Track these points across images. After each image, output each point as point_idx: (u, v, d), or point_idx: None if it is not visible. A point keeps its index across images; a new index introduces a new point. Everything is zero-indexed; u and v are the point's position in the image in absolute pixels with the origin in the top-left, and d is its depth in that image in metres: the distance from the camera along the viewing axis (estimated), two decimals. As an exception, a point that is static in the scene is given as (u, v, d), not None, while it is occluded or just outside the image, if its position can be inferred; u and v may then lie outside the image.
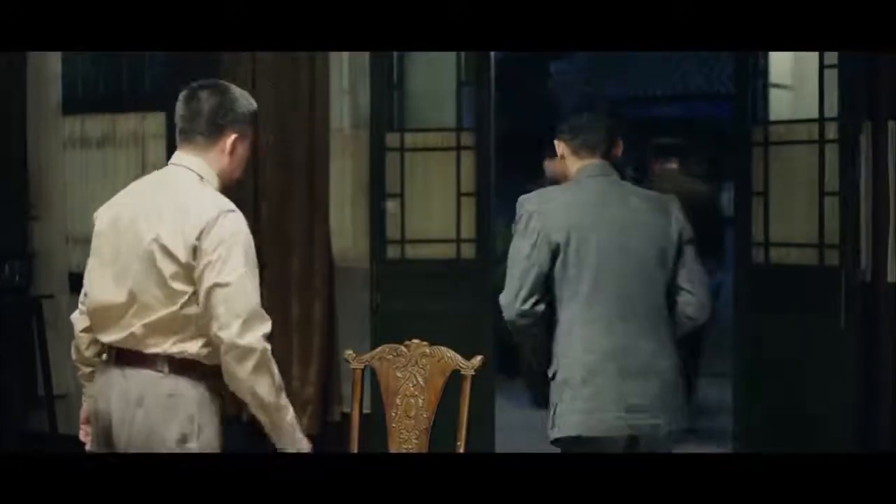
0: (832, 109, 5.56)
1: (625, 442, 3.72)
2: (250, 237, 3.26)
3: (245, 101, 3.40)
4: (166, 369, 3.23)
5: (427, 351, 3.83)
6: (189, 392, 3.24)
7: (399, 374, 3.83)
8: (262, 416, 3.24)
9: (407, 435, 3.80)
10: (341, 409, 5.88)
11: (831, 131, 5.51)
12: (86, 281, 3.41)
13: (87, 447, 3.43)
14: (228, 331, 3.14)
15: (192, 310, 3.20)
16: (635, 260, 3.78)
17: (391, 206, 6.01)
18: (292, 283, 5.92)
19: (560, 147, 3.98)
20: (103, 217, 3.37)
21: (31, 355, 6.47)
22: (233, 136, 3.34)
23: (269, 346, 3.20)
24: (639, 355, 3.73)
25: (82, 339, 3.43)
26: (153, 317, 3.20)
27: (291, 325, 5.90)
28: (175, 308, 3.20)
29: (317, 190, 5.91)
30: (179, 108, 3.36)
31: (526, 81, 15.34)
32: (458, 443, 3.76)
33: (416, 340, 3.87)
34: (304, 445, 3.32)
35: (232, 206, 3.28)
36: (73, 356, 3.48)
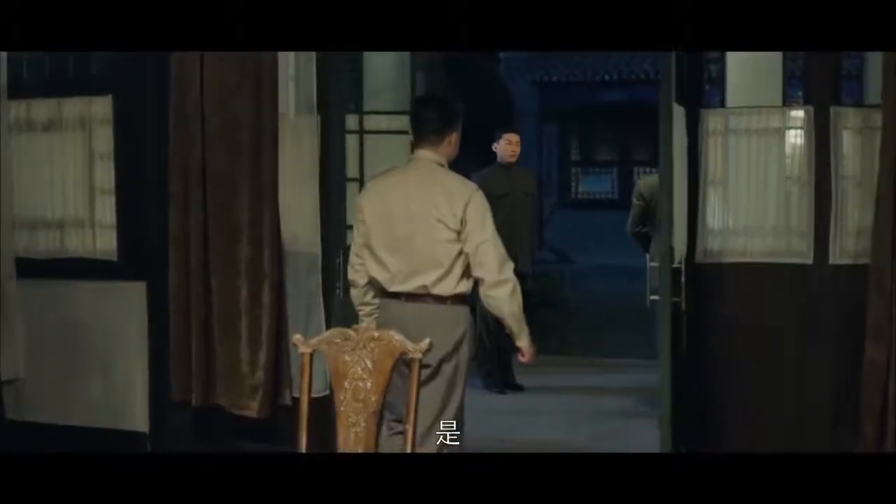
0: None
1: None
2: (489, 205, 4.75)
3: (457, 106, 4.93)
4: (448, 302, 4.69)
5: (375, 335, 3.86)
6: (464, 312, 4.77)
7: (347, 358, 3.84)
8: (512, 326, 4.76)
9: (356, 418, 3.82)
10: (291, 392, 5.88)
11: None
12: (359, 252, 4.84)
13: None
14: (493, 271, 4.65)
15: (460, 262, 4.68)
16: None
17: None
18: (241, 267, 5.90)
19: None
20: (369, 208, 4.79)
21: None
22: (453, 134, 4.82)
23: (516, 278, 4.70)
24: None
25: (365, 290, 4.88)
26: (439, 270, 4.66)
27: (240, 309, 5.88)
28: (450, 262, 4.65)
29: (265, 175, 5.88)
30: (414, 116, 4.90)
31: (475, 66, 15.35)
32: (407, 426, 3.80)
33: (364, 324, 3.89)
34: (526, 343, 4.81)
35: (476, 186, 4.81)
36: (357, 302, 4.95)
